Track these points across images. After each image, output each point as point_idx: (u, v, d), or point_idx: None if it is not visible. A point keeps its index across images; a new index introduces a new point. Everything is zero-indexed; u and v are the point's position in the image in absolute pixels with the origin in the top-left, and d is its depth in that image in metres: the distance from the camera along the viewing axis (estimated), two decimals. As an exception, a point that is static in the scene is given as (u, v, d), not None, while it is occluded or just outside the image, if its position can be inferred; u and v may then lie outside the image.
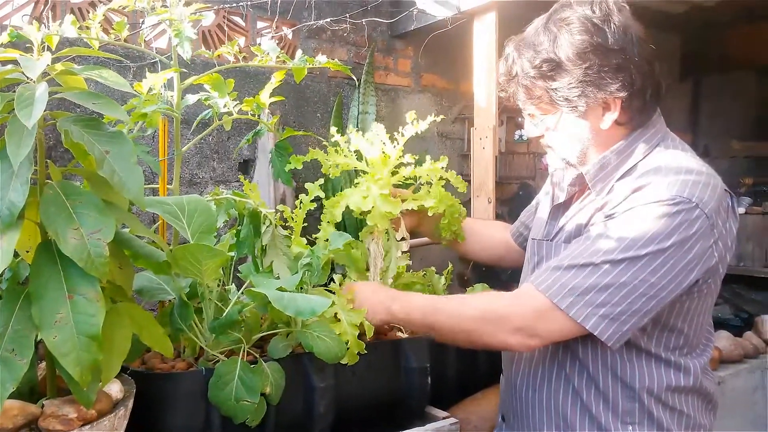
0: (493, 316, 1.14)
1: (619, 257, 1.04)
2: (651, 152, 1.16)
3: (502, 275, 3.61)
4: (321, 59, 1.45)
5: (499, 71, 1.25)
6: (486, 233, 1.64)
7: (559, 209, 1.30)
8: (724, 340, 2.25)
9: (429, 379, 1.48)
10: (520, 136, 3.90)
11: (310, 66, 1.45)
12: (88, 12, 2.33)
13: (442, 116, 1.53)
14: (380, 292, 1.32)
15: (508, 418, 1.33)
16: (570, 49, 1.11)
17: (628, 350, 1.14)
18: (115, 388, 1.04)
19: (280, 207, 1.50)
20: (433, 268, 1.81)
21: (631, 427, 1.13)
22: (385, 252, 1.49)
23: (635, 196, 1.09)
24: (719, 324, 3.04)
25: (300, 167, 1.49)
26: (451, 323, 1.20)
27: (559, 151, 1.23)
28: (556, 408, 1.20)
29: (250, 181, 2.71)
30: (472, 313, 1.17)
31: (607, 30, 1.11)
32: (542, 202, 1.42)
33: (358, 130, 1.55)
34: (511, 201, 3.78)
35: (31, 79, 0.91)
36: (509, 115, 3.94)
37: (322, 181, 1.53)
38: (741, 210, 3.89)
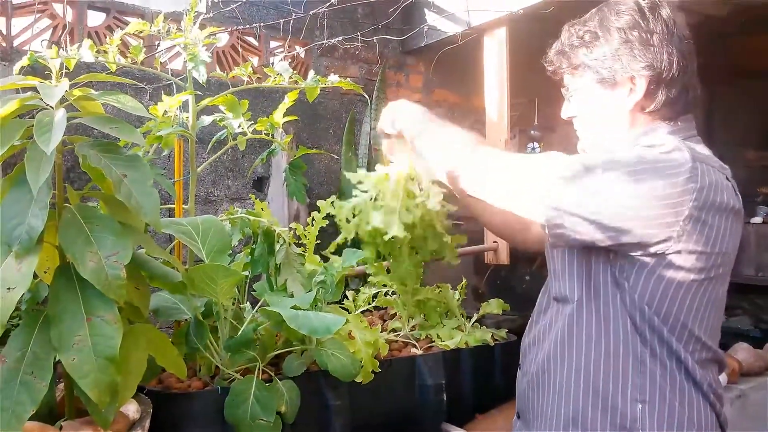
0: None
1: (597, 164, 1.07)
2: (672, 146, 1.16)
3: (517, 288, 3.60)
4: (333, 79, 1.47)
5: (552, 48, 1.30)
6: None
7: None
8: (744, 352, 2.22)
9: (444, 395, 1.47)
10: (533, 149, 3.90)
11: (323, 86, 1.46)
12: (105, 36, 2.37)
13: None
14: (414, 115, 1.25)
15: (523, 413, 1.31)
16: (613, 25, 1.19)
17: (634, 323, 1.12)
18: (132, 408, 1.05)
19: (293, 225, 1.51)
20: (448, 285, 1.81)
21: (640, 405, 1.12)
22: None
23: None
24: (739, 335, 3.00)
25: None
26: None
27: (587, 132, 1.27)
28: (562, 390, 1.18)
29: (264, 198, 2.74)
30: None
31: (650, 16, 1.18)
32: None
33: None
34: (525, 214, 3.76)
35: (50, 106, 0.93)
36: (521, 129, 3.95)
37: (334, 198, 1.54)
38: (758, 219, 3.85)
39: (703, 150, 1.17)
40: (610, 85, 1.20)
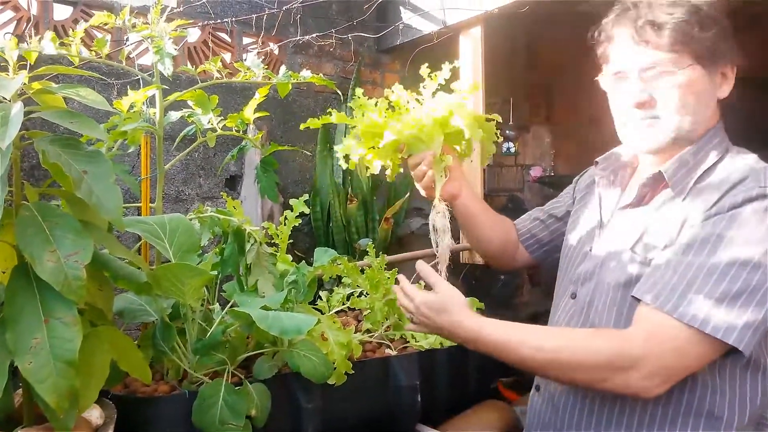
0: (628, 363, 0.99)
1: (742, 259, 0.97)
2: (725, 155, 1.13)
3: (492, 288, 3.60)
4: (305, 74, 1.44)
5: (616, 25, 1.16)
6: (503, 226, 1.53)
7: (624, 212, 1.22)
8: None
9: (419, 396, 1.45)
10: (508, 148, 3.91)
11: (295, 82, 1.43)
12: (72, 29, 2.31)
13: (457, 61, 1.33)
14: (450, 321, 1.14)
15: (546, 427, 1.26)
16: (708, 5, 1.10)
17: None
18: (95, 414, 1.01)
19: (264, 224, 1.48)
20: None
21: None
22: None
23: (732, 192, 1.03)
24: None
25: (318, 126, 1.34)
26: (567, 376, 1.06)
27: (672, 120, 1.12)
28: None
29: (236, 197, 2.69)
30: (594, 359, 1.02)
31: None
32: (587, 207, 1.34)
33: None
34: (500, 213, 3.76)
35: (6, 99, 0.89)
36: (496, 128, 3.95)
37: (306, 196, 1.51)
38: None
39: (748, 152, 1.14)
40: (711, 70, 1.11)
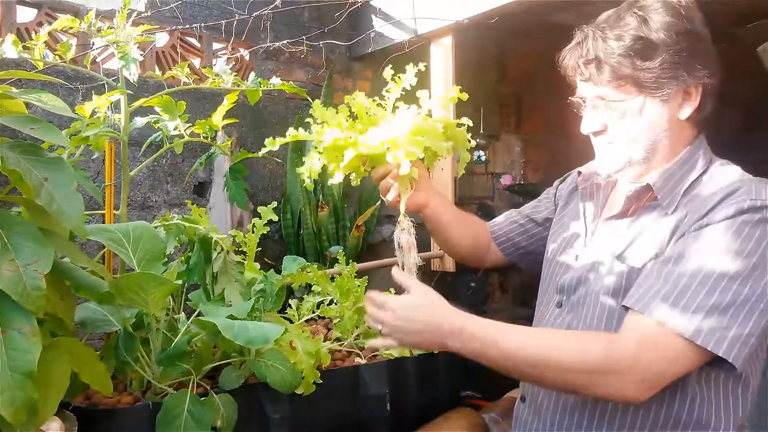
0: (619, 367, 0.99)
1: (733, 271, 0.98)
2: (710, 166, 1.14)
3: (463, 294, 3.62)
4: (275, 81, 1.44)
5: (569, 57, 1.17)
6: (473, 229, 1.52)
7: (609, 223, 1.23)
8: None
9: (388, 405, 1.45)
10: (479, 156, 3.94)
11: (265, 89, 1.43)
12: (35, 32, 2.27)
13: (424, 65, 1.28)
14: (433, 314, 1.11)
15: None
16: (662, 30, 1.09)
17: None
18: (54, 427, 0.99)
19: (232, 232, 1.46)
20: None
21: None
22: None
23: (724, 203, 1.04)
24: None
25: (275, 148, 1.26)
26: (554, 377, 1.04)
27: (625, 147, 1.15)
28: None
29: (205, 205, 2.66)
30: (585, 362, 1.01)
31: (694, 17, 1.12)
32: (570, 216, 1.35)
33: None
34: (471, 221, 3.79)
35: (-37, 103, 0.87)
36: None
37: (275, 204, 1.50)
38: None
39: (732, 163, 1.15)
40: (664, 98, 1.11)
